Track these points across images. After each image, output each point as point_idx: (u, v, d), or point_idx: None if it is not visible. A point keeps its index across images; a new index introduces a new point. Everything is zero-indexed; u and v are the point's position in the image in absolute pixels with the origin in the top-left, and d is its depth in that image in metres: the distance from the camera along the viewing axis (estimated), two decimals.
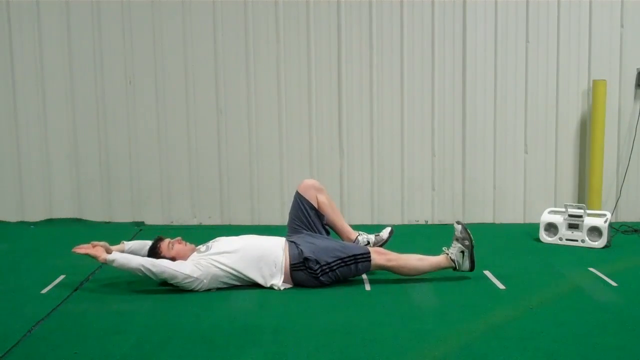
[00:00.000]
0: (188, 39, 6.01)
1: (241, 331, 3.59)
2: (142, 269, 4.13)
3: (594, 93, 5.86)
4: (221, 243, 4.35)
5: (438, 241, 5.49)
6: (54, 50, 6.03)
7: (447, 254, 4.40)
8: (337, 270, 4.28)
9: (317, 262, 4.24)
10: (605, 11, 5.94)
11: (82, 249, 4.27)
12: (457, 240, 4.39)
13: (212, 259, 4.21)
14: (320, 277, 4.26)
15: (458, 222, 4.43)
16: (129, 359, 3.27)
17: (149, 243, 4.44)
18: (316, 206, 4.56)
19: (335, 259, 4.27)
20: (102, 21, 6.00)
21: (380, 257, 4.35)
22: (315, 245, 4.33)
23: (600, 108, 5.82)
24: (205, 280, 4.18)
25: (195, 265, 4.19)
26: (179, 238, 4.41)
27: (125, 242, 4.48)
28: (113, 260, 4.17)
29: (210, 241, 4.42)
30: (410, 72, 6.01)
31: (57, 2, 5.99)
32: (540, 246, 5.35)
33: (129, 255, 4.25)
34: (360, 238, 4.60)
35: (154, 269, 4.13)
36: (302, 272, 4.26)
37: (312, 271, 4.24)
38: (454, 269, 4.40)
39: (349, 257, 4.29)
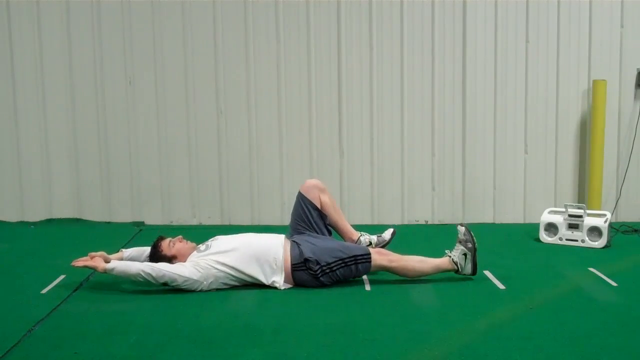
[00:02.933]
0: (188, 39, 6.01)
1: (241, 331, 3.59)
2: (142, 273, 4.14)
3: (594, 93, 5.86)
4: (220, 242, 4.35)
5: (438, 241, 5.51)
6: (54, 50, 6.03)
7: (450, 257, 4.39)
8: (337, 271, 4.28)
9: (318, 263, 4.24)
10: (605, 11, 5.94)
11: (81, 261, 4.28)
12: (460, 242, 4.38)
13: (211, 259, 4.21)
14: (321, 278, 4.26)
15: (462, 225, 4.43)
16: (129, 359, 3.27)
17: (147, 249, 4.45)
18: (319, 206, 4.56)
19: (335, 260, 4.27)
20: (102, 21, 5.99)
21: (381, 257, 4.34)
22: (316, 245, 4.33)
23: (600, 108, 5.82)
24: (205, 282, 4.19)
25: (195, 267, 4.20)
26: (179, 237, 4.42)
27: (123, 250, 4.51)
28: (112, 269, 4.18)
29: (210, 240, 4.42)
30: (410, 72, 6.01)
31: (57, 2, 5.99)
32: (540, 246, 5.35)
33: (128, 262, 4.27)
34: (362, 239, 4.60)
35: (153, 273, 4.14)
36: (302, 272, 4.26)
37: (313, 272, 4.24)
38: (456, 271, 4.39)
39: (350, 257, 4.29)
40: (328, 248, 4.33)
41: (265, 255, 4.26)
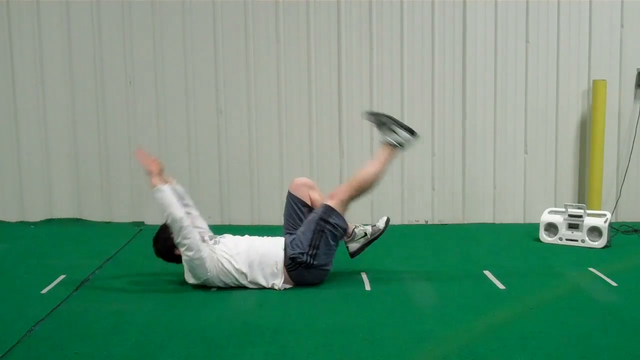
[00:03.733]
0: (188, 38, 6.01)
1: (241, 331, 3.59)
2: (178, 220, 4.10)
3: (594, 93, 5.86)
4: (227, 243, 4.32)
5: (438, 241, 5.52)
6: (54, 50, 6.03)
7: (383, 143, 4.40)
8: (320, 245, 4.24)
9: (301, 253, 4.22)
10: (605, 11, 5.94)
11: (144, 158, 4.29)
12: (378, 127, 4.41)
13: (223, 257, 4.21)
14: (314, 262, 4.24)
15: (366, 113, 4.46)
16: (129, 359, 3.28)
17: (186, 198, 4.43)
18: (309, 203, 4.49)
19: (309, 236, 4.23)
20: (102, 21, 6.00)
21: (336, 198, 4.32)
22: (296, 236, 4.31)
23: (600, 108, 5.82)
24: (209, 274, 4.18)
25: (210, 256, 4.19)
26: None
27: (174, 181, 4.43)
28: (160, 191, 4.17)
29: (218, 236, 4.41)
30: (410, 72, 6.01)
31: (57, 2, 5.99)
32: (540, 246, 5.35)
33: (175, 200, 4.21)
34: (356, 230, 4.53)
35: (184, 231, 4.11)
36: (296, 270, 4.25)
37: (304, 263, 4.23)
38: (400, 146, 4.38)
39: (317, 222, 4.25)
40: (301, 231, 4.30)
41: (267, 260, 4.26)
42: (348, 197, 4.35)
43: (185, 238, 4.14)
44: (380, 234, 4.54)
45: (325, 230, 4.27)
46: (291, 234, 4.40)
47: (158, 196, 4.18)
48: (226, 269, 4.21)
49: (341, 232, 4.34)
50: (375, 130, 5.98)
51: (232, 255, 4.23)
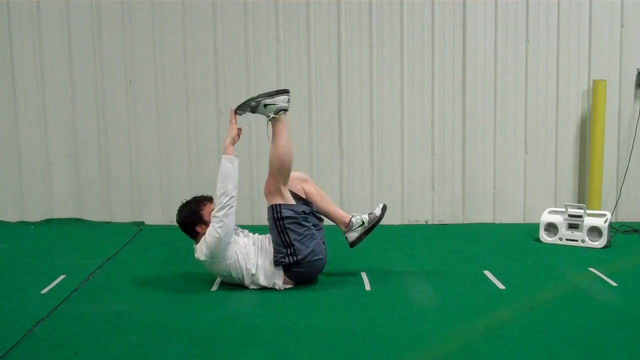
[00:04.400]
0: (188, 39, 6.00)
1: (241, 331, 3.59)
2: (230, 198, 4.12)
3: (594, 93, 5.86)
4: (245, 240, 4.31)
5: (438, 241, 5.52)
6: (54, 50, 6.03)
7: (269, 121, 4.30)
8: (291, 240, 4.20)
9: (283, 256, 4.20)
10: (605, 11, 5.94)
11: (233, 121, 4.30)
12: (254, 111, 4.34)
13: (238, 254, 4.20)
14: (299, 258, 4.19)
15: (235, 110, 4.35)
16: (129, 359, 3.28)
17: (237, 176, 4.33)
18: (304, 196, 4.46)
19: (279, 239, 4.20)
20: (102, 21, 6.00)
21: (268, 194, 4.27)
22: (274, 244, 4.28)
23: (600, 108, 5.82)
24: (226, 261, 4.16)
25: (233, 245, 4.19)
26: None
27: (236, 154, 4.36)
28: (231, 162, 4.20)
29: (239, 229, 4.40)
30: (410, 72, 6.01)
31: (57, 2, 5.99)
32: (540, 246, 5.35)
33: (235, 175, 4.21)
34: (354, 220, 4.49)
35: (230, 209, 4.12)
36: (290, 271, 4.24)
37: (290, 263, 4.21)
38: (284, 111, 4.27)
39: (274, 224, 4.21)
40: (272, 238, 4.27)
41: (269, 260, 4.26)
42: (277, 183, 4.27)
43: (226, 216, 4.12)
44: (378, 221, 4.50)
45: (286, 225, 4.22)
46: None
47: (226, 165, 4.18)
48: (240, 264, 4.20)
49: (301, 213, 4.26)
50: (374, 129, 6.06)
51: (247, 253, 4.23)
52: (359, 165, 6.10)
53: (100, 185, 6.16)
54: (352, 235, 4.47)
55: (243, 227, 5.86)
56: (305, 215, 4.29)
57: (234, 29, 5.99)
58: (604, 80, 5.85)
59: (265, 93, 4.32)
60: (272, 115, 4.29)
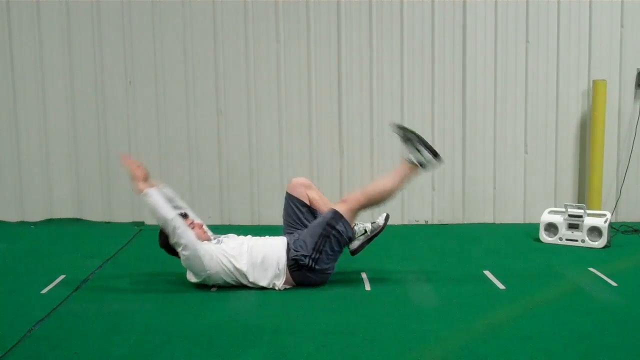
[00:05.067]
0: (188, 39, 6.01)
1: (241, 331, 3.59)
2: (170, 222, 4.11)
3: (594, 93, 5.86)
4: (230, 242, 4.31)
5: (438, 241, 5.52)
6: (54, 50, 6.03)
7: (406, 160, 4.37)
8: (324, 249, 4.22)
9: (304, 256, 4.21)
10: (605, 11, 5.94)
11: (129, 162, 4.30)
12: (405, 143, 4.38)
13: (224, 257, 4.20)
14: (316, 267, 4.23)
15: (396, 127, 4.43)
16: (129, 359, 3.28)
17: (176, 199, 4.42)
18: (308, 203, 4.48)
19: (315, 239, 4.22)
20: (102, 21, 6.00)
21: (347, 203, 4.30)
22: (298, 238, 4.30)
23: (600, 108, 5.82)
24: (209, 271, 4.17)
25: (210, 254, 4.18)
26: (201, 222, 4.41)
27: (162, 185, 4.41)
28: (147, 195, 4.16)
29: (222, 236, 4.41)
30: (410, 72, 6.01)
31: (57, 2, 5.99)
32: (540, 246, 5.35)
33: (163, 202, 4.20)
34: (356, 228, 4.51)
35: (178, 230, 4.12)
36: (299, 272, 4.25)
37: (306, 265, 4.22)
38: (421, 166, 4.35)
39: (324, 226, 4.23)
40: (306, 233, 4.28)
41: (269, 260, 4.24)
42: (359, 206, 4.33)
43: (180, 238, 4.14)
44: (380, 230, 4.50)
45: (331, 236, 4.25)
46: (291, 234, 4.40)
47: (146, 201, 4.19)
48: (227, 267, 4.20)
49: (346, 239, 4.32)
50: (374, 130, 6.06)
51: (234, 255, 4.22)
52: (359, 165, 6.10)
53: (100, 185, 6.16)
54: (354, 244, 4.47)
55: (243, 227, 5.90)
56: (347, 242, 4.35)
57: (234, 29, 5.99)
58: (604, 80, 5.85)
59: (426, 142, 4.37)
60: (411, 158, 4.35)
